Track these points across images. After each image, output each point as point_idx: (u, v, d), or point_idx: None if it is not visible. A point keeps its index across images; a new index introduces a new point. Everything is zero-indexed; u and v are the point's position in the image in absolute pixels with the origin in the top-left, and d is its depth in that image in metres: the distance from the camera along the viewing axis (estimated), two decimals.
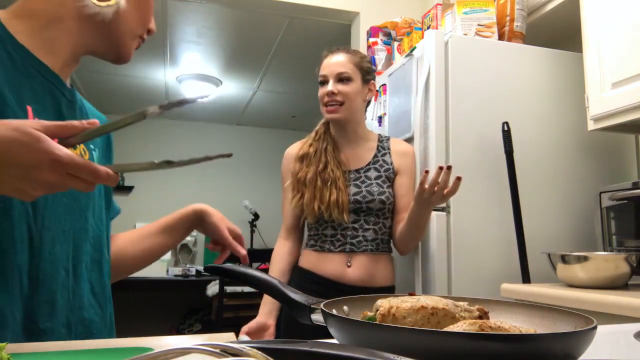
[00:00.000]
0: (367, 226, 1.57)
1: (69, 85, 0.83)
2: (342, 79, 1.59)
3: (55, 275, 0.75)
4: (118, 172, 0.58)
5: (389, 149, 1.68)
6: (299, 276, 1.61)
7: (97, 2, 0.78)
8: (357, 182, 1.60)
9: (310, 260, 1.61)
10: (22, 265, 0.71)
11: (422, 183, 1.39)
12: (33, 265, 0.72)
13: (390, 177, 1.64)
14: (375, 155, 1.65)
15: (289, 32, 3.44)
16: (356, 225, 1.57)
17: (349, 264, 1.55)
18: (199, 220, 0.98)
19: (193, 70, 4.27)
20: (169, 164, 0.57)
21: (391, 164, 1.65)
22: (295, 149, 1.71)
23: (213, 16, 3.30)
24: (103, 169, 0.57)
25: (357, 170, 1.62)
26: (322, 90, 1.61)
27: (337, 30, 3.16)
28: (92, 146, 0.88)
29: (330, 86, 1.58)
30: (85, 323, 0.80)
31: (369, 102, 1.71)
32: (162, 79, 4.45)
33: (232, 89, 4.73)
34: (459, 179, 1.37)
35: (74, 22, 0.78)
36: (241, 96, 4.97)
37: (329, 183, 1.56)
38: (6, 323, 0.69)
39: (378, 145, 1.68)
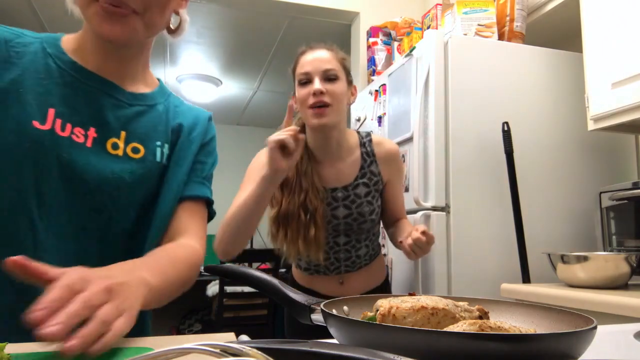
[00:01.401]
0: (359, 245, 1.50)
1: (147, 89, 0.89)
2: (328, 77, 1.39)
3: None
4: None
5: (373, 155, 1.51)
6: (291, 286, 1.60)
7: None
8: (347, 202, 1.46)
9: (300, 279, 1.58)
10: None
11: (406, 252, 1.37)
12: (36, 259, 0.73)
13: (379, 189, 1.52)
14: (362, 167, 1.49)
15: (289, 32, 3.44)
16: (348, 247, 1.49)
17: (341, 281, 1.51)
18: None
19: (193, 70, 4.28)
20: None
21: (379, 174, 1.50)
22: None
23: (213, 16, 3.30)
24: None
25: (345, 188, 1.47)
26: (304, 90, 1.40)
27: (337, 30, 3.16)
28: (158, 142, 0.86)
29: (317, 84, 1.37)
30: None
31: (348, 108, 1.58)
32: (162, 78, 4.45)
33: (232, 89, 4.73)
34: (424, 233, 1.33)
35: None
36: (241, 96, 4.97)
37: (308, 217, 1.41)
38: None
39: (362, 153, 1.50)
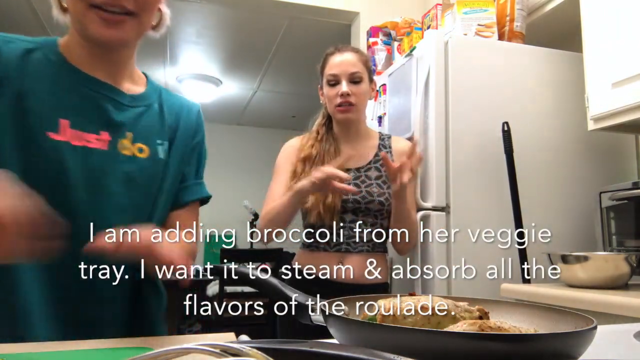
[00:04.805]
0: (364, 227, 1.55)
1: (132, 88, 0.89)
2: (354, 80, 1.57)
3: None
4: None
5: (390, 147, 1.65)
6: (292, 275, 1.61)
7: None
8: (357, 182, 1.57)
9: (302, 260, 1.60)
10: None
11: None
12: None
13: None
14: (377, 154, 1.62)
15: (289, 32, 3.44)
16: (353, 225, 1.55)
17: (340, 263, 1.53)
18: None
19: (193, 70, 4.28)
20: None
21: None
22: (295, 143, 1.68)
23: (213, 16, 3.30)
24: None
25: (358, 169, 1.59)
26: (333, 91, 1.58)
27: (337, 30, 3.16)
28: (158, 141, 0.89)
29: (345, 87, 1.55)
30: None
31: None
32: (162, 79, 4.45)
33: (232, 89, 4.74)
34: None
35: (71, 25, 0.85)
36: (241, 96, 4.97)
37: None
38: None
39: (379, 144, 1.65)
